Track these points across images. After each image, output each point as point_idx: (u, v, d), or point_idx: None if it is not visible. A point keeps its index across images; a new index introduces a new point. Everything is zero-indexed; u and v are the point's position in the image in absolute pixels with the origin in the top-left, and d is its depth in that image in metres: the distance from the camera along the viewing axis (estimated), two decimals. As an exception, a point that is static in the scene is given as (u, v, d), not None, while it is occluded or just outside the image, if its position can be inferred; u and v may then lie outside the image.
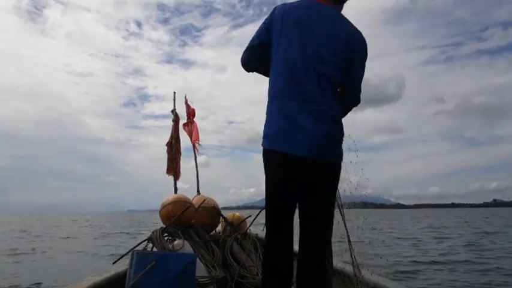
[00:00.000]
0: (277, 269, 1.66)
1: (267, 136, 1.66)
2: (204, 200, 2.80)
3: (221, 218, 2.94)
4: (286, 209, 1.68)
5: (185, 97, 3.80)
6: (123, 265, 2.10)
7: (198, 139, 3.70)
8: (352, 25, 1.72)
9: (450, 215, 55.53)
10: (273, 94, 1.67)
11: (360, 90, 1.77)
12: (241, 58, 1.82)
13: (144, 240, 2.31)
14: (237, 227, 2.88)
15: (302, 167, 1.58)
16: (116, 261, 2.27)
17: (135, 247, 2.20)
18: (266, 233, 1.71)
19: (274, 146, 1.62)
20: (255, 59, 1.80)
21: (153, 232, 2.31)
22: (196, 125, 3.78)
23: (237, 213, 3.08)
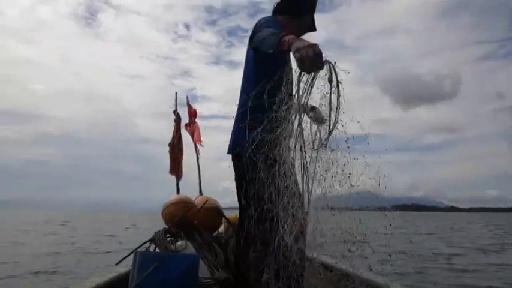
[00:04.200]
0: None
1: None
2: (207, 201, 2.79)
3: (223, 218, 2.94)
4: None
5: (187, 98, 3.85)
6: (126, 266, 2.10)
7: (199, 139, 3.71)
8: None
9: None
10: None
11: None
12: None
13: (147, 241, 2.30)
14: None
15: None
16: (118, 262, 2.27)
17: (137, 248, 2.20)
18: None
19: None
20: None
21: (155, 233, 2.30)
22: (198, 125, 3.79)
23: (239, 214, 3.08)
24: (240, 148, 1.87)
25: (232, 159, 2.06)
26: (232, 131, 2.07)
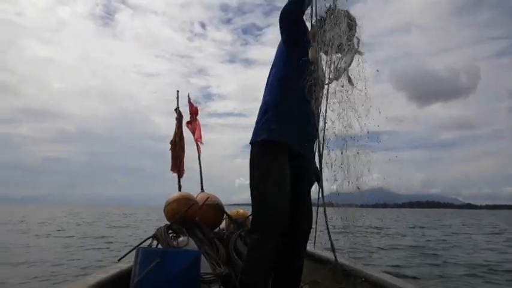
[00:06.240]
0: None
1: None
2: (208, 197, 2.81)
3: (225, 215, 2.96)
4: None
5: (188, 96, 3.86)
6: (128, 262, 2.12)
7: (200, 137, 3.73)
8: None
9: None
10: None
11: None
12: None
13: (149, 238, 2.32)
14: (240, 224, 2.90)
15: None
16: (121, 258, 2.29)
17: (140, 244, 2.22)
18: None
19: None
20: None
21: (157, 229, 2.33)
22: (199, 123, 3.81)
23: (241, 210, 3.10)
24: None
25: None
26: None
